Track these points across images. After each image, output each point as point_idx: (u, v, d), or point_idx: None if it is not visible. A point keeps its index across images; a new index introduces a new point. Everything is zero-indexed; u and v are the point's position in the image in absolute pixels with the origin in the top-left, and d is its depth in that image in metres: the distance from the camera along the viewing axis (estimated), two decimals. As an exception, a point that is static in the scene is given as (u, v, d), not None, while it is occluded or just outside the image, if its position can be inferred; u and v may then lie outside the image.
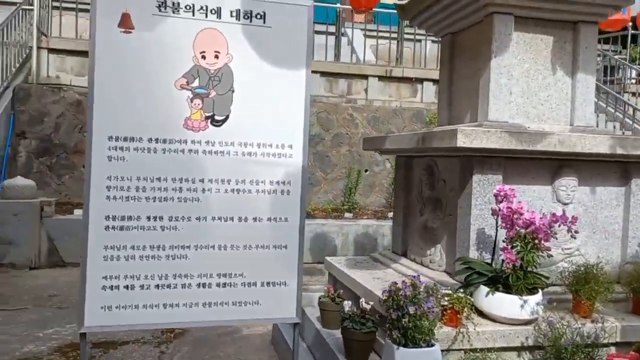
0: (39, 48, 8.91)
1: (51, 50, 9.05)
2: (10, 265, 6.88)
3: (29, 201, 7.01)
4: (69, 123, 8.54)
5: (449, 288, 2.96)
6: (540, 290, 2.85)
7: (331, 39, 11.02)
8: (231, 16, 2.44)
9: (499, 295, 2.76)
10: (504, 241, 2.88)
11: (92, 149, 2.30)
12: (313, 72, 10.30)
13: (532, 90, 3.52)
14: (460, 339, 2.67)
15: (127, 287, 2.36)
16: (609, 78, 10.89)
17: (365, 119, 10.09)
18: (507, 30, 3.38)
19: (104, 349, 4.16)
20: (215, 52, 2.43)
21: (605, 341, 2.78)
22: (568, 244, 3.34)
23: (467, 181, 3.19)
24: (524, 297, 2.73)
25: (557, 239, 2.85)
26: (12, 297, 5.71)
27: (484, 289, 2.83)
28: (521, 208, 2.71)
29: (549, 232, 2.72)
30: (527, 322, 2.77)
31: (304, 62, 2.55)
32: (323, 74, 10.42)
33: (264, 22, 2.49)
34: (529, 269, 2.82)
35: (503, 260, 2.85)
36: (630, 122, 9.51)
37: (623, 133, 8.67)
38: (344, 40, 11.85)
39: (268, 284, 2.56)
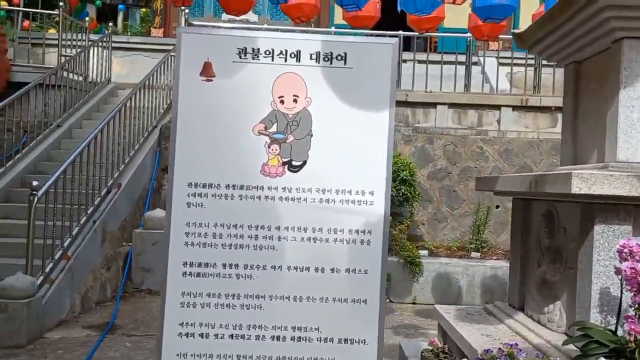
0: (182, 90, 9.70)
1: (193, 92, 9.83)
2: (147, 291, 7.45)
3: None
4: (204, 159, 9.16)
5: (562, 358, 2.54)
6: (680, 370, 2.32)
7: (461, 69, 10.63)
8: (311, 59, 2.38)
9: (623, 372, 2.30)
10: (631, 306, 2.42)
11: (172, 195, 2.35)
12: (440, 103, 10.01)
13: (674, 124, 2.97)
14: (572, 421, 2.26)
15: (202, 335, 2.35)
16: None
17: (496, 152, 9.52)
18: (639, 57, 2.92)
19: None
20: (294, 96, 2.38)
21: None
22: None
23: (588, 232, 2.76)
24: (660, 379, 2.24)
25: None
26: (143, 323, 6.14)
27: (604, 363, 2.38)
28: (649, 269, 2.24)
29: (689, 300, 2.22)
30: (662, 410, 2.27)
31: (388, 102, 2.39)
32: (451, 105, 10.06)
33: (345, 64, 2.39)
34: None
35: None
36: None
37: None
38: (475, 69, 11.37)
39: (345, 340, 2.39)
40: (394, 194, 8.16)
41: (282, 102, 2.38)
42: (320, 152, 2.38)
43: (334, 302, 2.38)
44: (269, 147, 2.37)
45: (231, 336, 2.35)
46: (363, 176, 2.39)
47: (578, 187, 2.53)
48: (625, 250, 2.37)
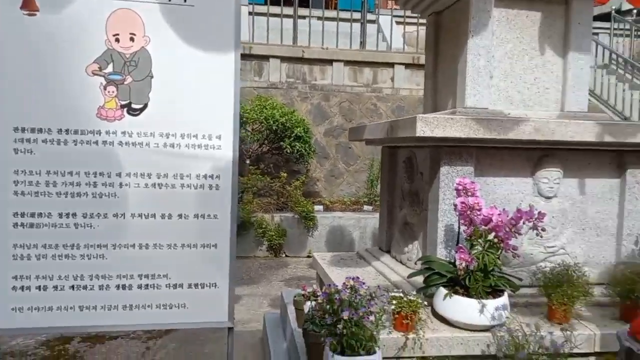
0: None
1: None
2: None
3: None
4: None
5: (409, 291, 2.70)
6: (505, 293, 2.55)
7: (357, 27, 10.70)
8: (147, -5, 2.26)
9: (457, 298, 2.49)
10: (465, 239, 2.60)
11: (-5, 141, 2.18)
12: (336, 61, 10.05)
13: (517, 73, 3.17)
14: (412, 345, 2.42)
15: (39, 287, 2.25)
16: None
17: (389, 109, 9.77)
18: (485, 7, 3.05)
19: (90, 343, 4.11)
20: (131, 34, 2.26)
21: (580, 351, 2.45)
22: (551, 241, 3.00)
23: (436, 173, 2.91)
24: (483, 301, 2.44)
25: (516, 236, 2.51)
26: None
27: (442, 292, 2.56)
28: (477, 203, 2.41)
29: (511, 229, 2.41)
30: (489, 328, 2.48)
31: (232, 44, 2.34)
32: (347, 62, 10.10)
33: (185, 1, 2.29)
34: (492, 269, 2.53)
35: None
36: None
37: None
38: (371, 27, 11.50)
39: (196, 285, 2.38)
40: (288, 151, 8.19)
41: (117, 40, 2.25)
42: (162, 95, 2.30)
43: (182, 248, 2.35)
44: (104, 88, 2.25)
45: (72, 287, 2.26)
46: (209, 120, 2.34)
47: (422, 130, 2.64)
48: (460, 187, 2.53)
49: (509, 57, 3.16)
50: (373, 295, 2.31)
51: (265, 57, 9.60)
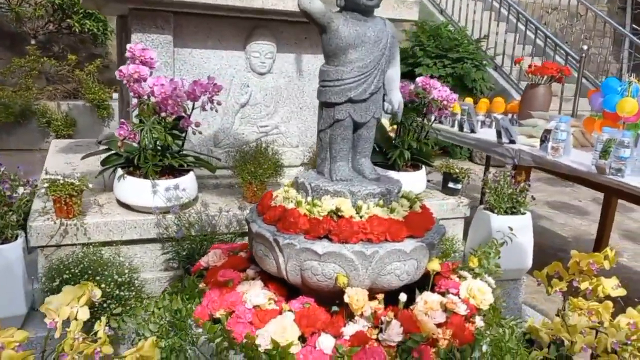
0: None
1: None
2: None
3: None
4: None
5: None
6: (190, 173, 2.39)
7: None
8: None
9: (130, 179, 2.27)
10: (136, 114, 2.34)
11: None
12: None
13: None
14: (74, 232, 2.18)
15: None
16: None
17: None
18: None
19: None
20: None
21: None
22: (265, 120, 2.87)
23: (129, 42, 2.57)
24: (157, 182, 2.25)
25: (182, 108, 2.29)
26: None
27: (118, 173, 2.33)
28: (138, 72, 2.13)
29: (178, 102, 2.19)
30: (166, 210, 2.30)
31: None
32: None
33: None
34: (180, 149, 2.34)
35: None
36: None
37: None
38: None
39: None
40: (78, 30, 7.26)
41: None
42: None
43: None
44: None
45: None
46: None
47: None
48: (130, 54, 2.22)
49: None
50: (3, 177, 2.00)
51: None
